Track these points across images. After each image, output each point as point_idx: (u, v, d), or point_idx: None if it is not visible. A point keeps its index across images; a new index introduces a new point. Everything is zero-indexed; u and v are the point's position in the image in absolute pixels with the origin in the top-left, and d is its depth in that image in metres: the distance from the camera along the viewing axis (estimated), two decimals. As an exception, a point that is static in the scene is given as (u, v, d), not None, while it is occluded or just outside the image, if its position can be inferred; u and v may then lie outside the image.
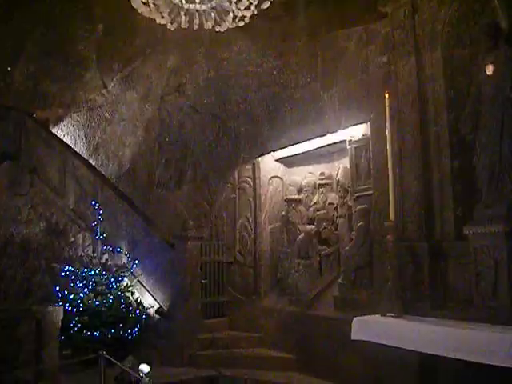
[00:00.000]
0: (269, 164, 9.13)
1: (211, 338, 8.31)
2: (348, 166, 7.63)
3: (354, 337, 5.51)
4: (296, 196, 8.81)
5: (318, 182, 8.57)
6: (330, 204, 8.32)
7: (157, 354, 8.07)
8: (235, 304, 9.14)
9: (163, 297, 8.48)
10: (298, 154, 8.67)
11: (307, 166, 8.92)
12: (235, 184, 9.31)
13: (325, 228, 8.11)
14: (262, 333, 8.48)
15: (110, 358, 5.35)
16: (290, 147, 8.40)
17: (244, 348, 8.34)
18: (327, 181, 8.46)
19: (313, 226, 8.18)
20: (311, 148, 8.30)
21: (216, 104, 9.34)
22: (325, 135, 7.66)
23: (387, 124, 5.73)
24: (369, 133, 6.94)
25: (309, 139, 7.92)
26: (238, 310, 9.04)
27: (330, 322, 7.14)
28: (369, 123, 6.89)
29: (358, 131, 7.24)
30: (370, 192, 6.87)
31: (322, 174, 8.53)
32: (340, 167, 8.06)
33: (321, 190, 8.55)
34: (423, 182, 5.81)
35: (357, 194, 7.23)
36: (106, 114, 11.17)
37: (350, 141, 7.39)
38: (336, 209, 8.20)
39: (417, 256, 5.66)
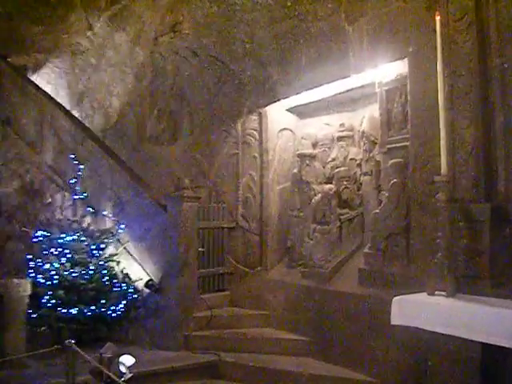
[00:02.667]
0: (278, 114, 7.84)
1: (210, 316, 7.13)
2: (375, 114, 6.40)
3: (394, 321, 4.39)
4: (310, 151, 7.53)
5: (337, 134, 7.31)
6: (351, 160, 7.09)
7: (146, 334, 7.15)
8: (237, 277, 7.94)
9: (154, 268, 7.34)
10: (313, 102, 7.39)
11: (323, 116, 7.65)
12: (238, 138, 8.01)
13: (346, 188, 6.87)
14: (269, 310, 7.34)
15: (78, 350, 4.11)
16: (304, 94, 7.11)
17: (248, 328, 7.19)
18: (348, 133, 7.21)
19: (332, 186, 6.92)
20: (329, 94, 7.04)
21: (218, 45, 8.02)
22: (348, 77, 6.40)
23: (438, 55, 4.53)
24: (405, 72, 5.71)
25: (328, 83, 6.64)
26: (241, 284, 7.86)
27: (353, 300, 5.98)
28: (406, 60, 5.63)
29: (390, 71, 5.98)
30: (406, 143, 5.65)
31: (341, 125, 7.27)
32: (365, 116, 6.82)
33: (340, 143, 7.29)
34: (482, 127, 4.64)
35: (388, 147, 5.98)
36: (92, 60, 9.86)
37: (379, 83, 6.12)
38: (359, 165, 6.98)
39: (474, 221, 4.51)
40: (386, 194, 5.83)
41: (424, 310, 4.20)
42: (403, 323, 4.33)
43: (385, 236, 5.76)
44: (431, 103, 5.18)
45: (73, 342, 4.18)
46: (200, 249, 7.44)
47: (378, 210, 5.90)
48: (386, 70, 6.00)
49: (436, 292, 4.32)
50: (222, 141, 8.13)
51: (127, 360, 4.36)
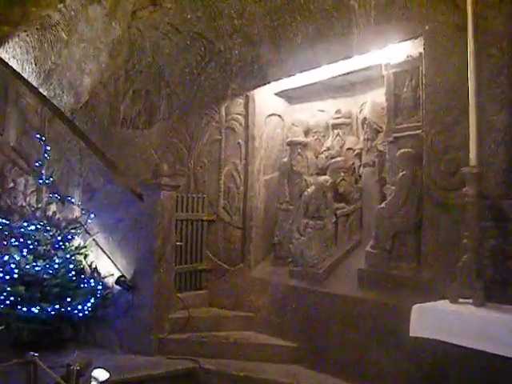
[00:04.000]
0: (266, 98, 7.17)
1: (187, 317, 6.45)
2: (379, 99, 5.84)
3: (414, 332, 3.91)
4: (302, 139, 6.89)
5: (333, 121, 6.71)
6: (348, 149, 6.51)
7: (116, 337, 6.42)
8: (217, 274, 7.24)
9: (126, 262, 6.61)
10: (306, 86, 6.75)
11: (317, 101, 7.05)
12: (222, 122, 7.31)
13: (343, 180, 6.26)
14: (252, 312, 6.66)
15: (43, 366, 3.39)
16: (297, 76, 6.47)
17: (229, 331, 6.50)
18: (345, 120, 6.62)
19: (327, 177, 6.30)
20: (325, 77, 6.43)
21: (203, 20, 7.31)
22: (350, 58, 5.79)
23: (469, 30, 3.99)
24: (417, 53, 5.14)
25: (327, 64, 6.02)
26: (221, 282, 7.17)
27: (352, 304, 5.39)
28: (420, 39, 5.05)
29: (398, 52, 5.39)
30: (417, 131, 5.08)
31: (337, 111, 6.67)
32: (367, 102, 6.21)
33: (336, 131, 6.69)
34: None
35: (395, 135, 5.38)
36: (63, 34, 9.02)
37: (387, 65, 5.51)
38: (358, 156, 6.38)
39: (504, 219, 3.97)
40: (393, 188, 5.24)
41: (449, 320, 3.71)
42: (425, 335, 3.79)
43: (391, 234, 5.17)
44: (450, 87, 4.69)
45: (36, 355, 3.44)
46: (178, 243, 6.75)
47: (383, 206, 5.30)
48: (393, 51, 5.43)
49: (460, 300, 3.81)
50: (204, 126, 7.42)
51: (100, 375, 3.66)
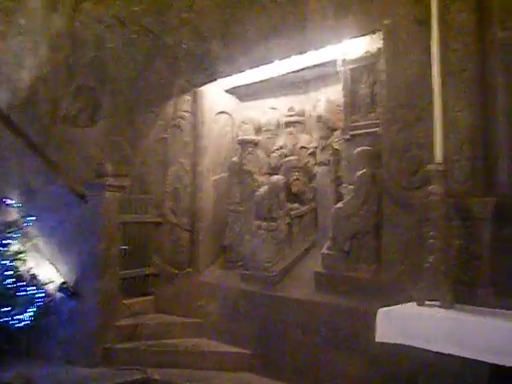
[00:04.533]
0: (215, 95, 6.97)
1: (134, 325, 6.12)
2: (334, 97, 5.70)
3: (380, 338, 3.68)
4: (253, 137, 6.67)
5: (285, 119, 6.54)
6: (301, 148, 6.33)
7: (58, 348, 6.05)
8: (164, 279, 6.95)
9: (69, 268, 6.22)
10: (258, 83, 6.63)
11: (269, 98, 6.90)
12: (168, 120, 7.03)
13: (297, 179, 6.08)
14: (202, 318, 6.41)
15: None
16: (248, 72, 6.29)
17: (179, 338, 6.22)
18: (298, 118, 6.46)
19: (280, 177, 6.09)
20: (278, 74, 6.29)
21: (149, 13, 6.98)
22: (305, 53, 5.63)
23: (433, 24, 3.85)
24: (375, 48, 5.01)
25: (280, 59, 5.85)
26: (168, 287, 6.88)
27: (308, 308, 5.20)
28: (379, 34, 4.92)
29: (355, 47, 5.24)
30: (375, 129, 4.94)
31: (290, 109, 6.50)
32: (322, 99, 6.04)
33: (289, 129, 6.52)
34: (479, 109, 4.02)
35: (352, 133, 5.22)
36: (-1, 26, 8.50)
37: (344, 61, 5.35)
38: (312, 154, 6.20)
39: (471, 219, 3.82)
40: (351, 187, 5.08)
41: (417, 324, 3.54)
42: (392, 340, 3.59)
43: (349, 235, 4.99)
44: (411, 83, 4.53)
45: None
46: (123, 246, 6.42)
47: (340, 205, 5.12)
48: (351, 46, 5.29)
49: (427, 302, 3.61)
50: (150, 123, 7.15)
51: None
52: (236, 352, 5.78)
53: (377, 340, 3.65)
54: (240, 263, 6.30)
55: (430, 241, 3.72)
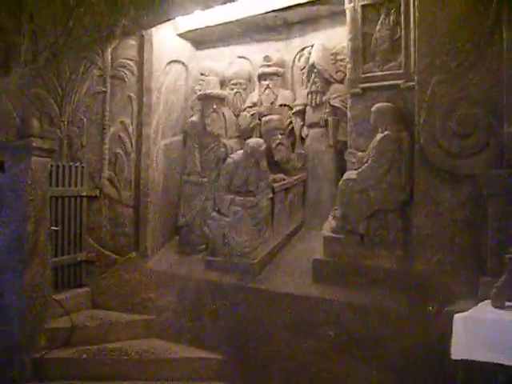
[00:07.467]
0: (167, 41, 5.73)
1: (69, 326, 4.81)
2: (330, 43, 4.66)
3: (460, 354, 2.72)
4: (219, 91, 5.45)
5: (262, 70, 5.33)
6: (282, 106, 5.16)
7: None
8: (102, 266, 5.67)
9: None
10: (222, 25, 5.40)
11: (235, 45, 5.69)
12: (107, 70, 5.72)
13: (280, 144, 4.92)
14: (154, 314, 5.20)
15: None
16: (210, 11, 5.07)
17: (125, 341, 4.98)
18: (277, 69, 5.26)
19: (261, 140, 4.91)
20: (249, 14, 5.09)
21: None
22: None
23: None
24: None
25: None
26: (107, 277, 5.61)
27: (303, 305, 4.18)
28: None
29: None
30: (396, 81, 3.89)
31: (267, 58, 5.32)
32: (315, 46, 4.92)
33: (264, 83, 5.34)
34: None
35: (363, 85, 4.14)
36: None
37: (353, -6, 4.25)
38: (299, 113, 5.05)
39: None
40: (360, 154, 4.01)
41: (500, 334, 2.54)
42: (478, 358, 2.57)
43: (366, 214, 3.92)
44: (455, 21, 3.48)
45: None
46: (53, 227, 5.06)
47: (352, 175, 4.02)
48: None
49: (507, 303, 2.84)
50: (82, 73, 5.81)
51: None
52: (201, 357, 4.65)
53: (453, 357, 2.67)
54: (203, 247, 5.13)
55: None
